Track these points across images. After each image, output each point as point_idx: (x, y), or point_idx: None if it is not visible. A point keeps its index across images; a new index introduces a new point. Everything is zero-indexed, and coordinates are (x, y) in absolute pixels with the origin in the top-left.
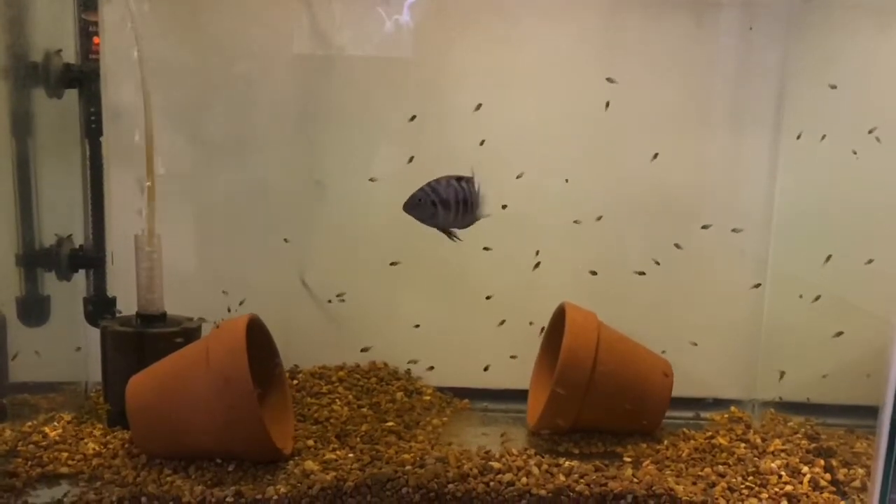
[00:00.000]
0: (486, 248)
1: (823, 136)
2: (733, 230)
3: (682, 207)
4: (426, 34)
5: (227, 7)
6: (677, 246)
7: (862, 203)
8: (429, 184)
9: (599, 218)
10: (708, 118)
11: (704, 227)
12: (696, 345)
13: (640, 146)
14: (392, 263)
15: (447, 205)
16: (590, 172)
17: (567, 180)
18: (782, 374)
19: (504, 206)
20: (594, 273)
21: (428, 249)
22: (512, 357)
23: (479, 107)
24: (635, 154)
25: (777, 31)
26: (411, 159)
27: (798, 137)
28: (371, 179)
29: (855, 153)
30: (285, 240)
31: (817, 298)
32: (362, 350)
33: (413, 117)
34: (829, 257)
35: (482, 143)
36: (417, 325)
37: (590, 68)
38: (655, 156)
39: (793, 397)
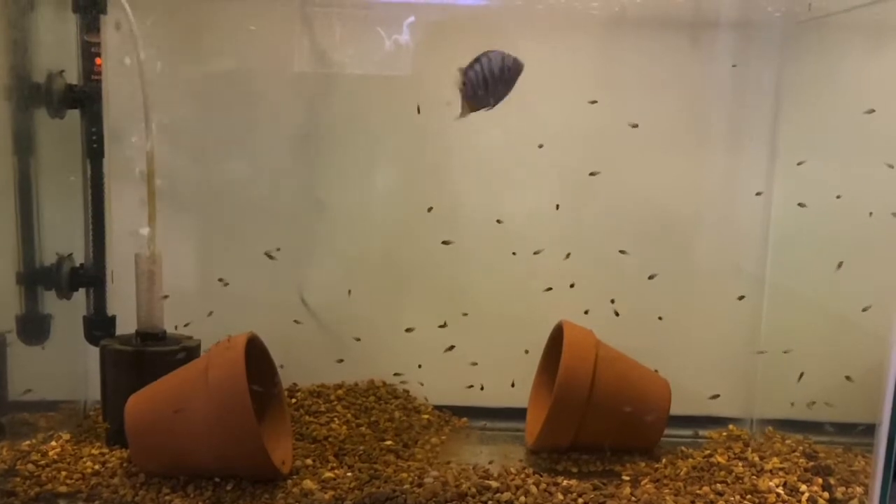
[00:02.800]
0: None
1: (800, 162)
2: (739, 298)
3: (679, 225)
4: (424, 54)
5: (228, 27)
6: (622, 251)
7: (858, 220)
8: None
9: (595, 229)
10: (704, 137)
11: (651, 277)
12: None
13: (637, 164)
14: None
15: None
16: (586, 191)
17: (561, 200)
18: (801, 375)
19: (499, 221)
20: (613, 302)
21: (429, 267)
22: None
23: (539, 146)
24: (631, 173)
25: (772, 51)
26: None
27: (799, 164)
28: None
29: (840, 195)
30: (268, 255)
31: (840, 265)
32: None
33: (430, 209)
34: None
35: (540, 146)
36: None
37: (586, 88)
38: (593, 174)
39: (791, 415)
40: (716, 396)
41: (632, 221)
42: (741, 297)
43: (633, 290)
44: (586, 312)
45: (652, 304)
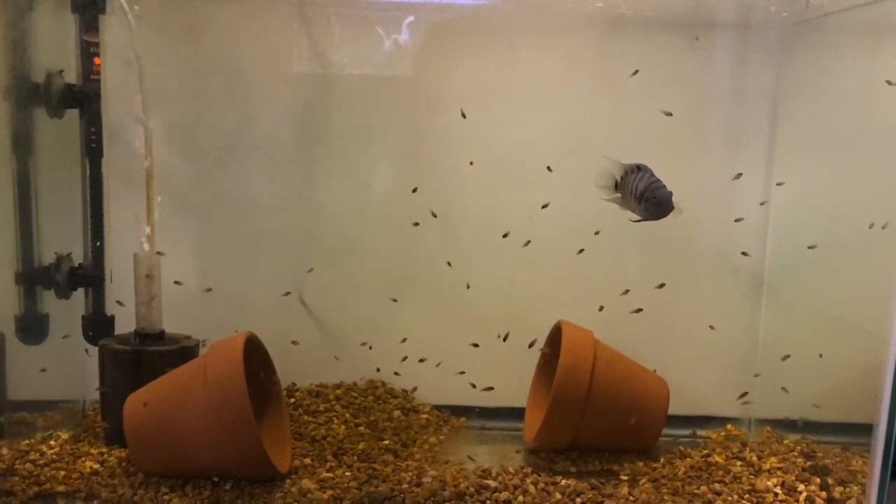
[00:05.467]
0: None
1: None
2: (742, 253)
3: (677, 226)
4: (425, 55)
5: (227, 27)
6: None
7: (856, 221)
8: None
9: (597, 233)
10: (703, 138)
11: (624, 292)
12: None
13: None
14: None
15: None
16: (586, 191)
17: (560, 201)
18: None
19: (505, 235)
20: (601, 309)
21: (427, 267)
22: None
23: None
24: None
25: (771, 51)
26: None
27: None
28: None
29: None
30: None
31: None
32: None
33: (415, 189)
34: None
35: (471, 163)
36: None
37: (586, 89)
38: (544, 206)
39: (789, 415)
40: (744, 395)
41: (630, 223)
42: (744, 253)
43: (631, 290)
44: (601, 307)
45: (650, 306)
